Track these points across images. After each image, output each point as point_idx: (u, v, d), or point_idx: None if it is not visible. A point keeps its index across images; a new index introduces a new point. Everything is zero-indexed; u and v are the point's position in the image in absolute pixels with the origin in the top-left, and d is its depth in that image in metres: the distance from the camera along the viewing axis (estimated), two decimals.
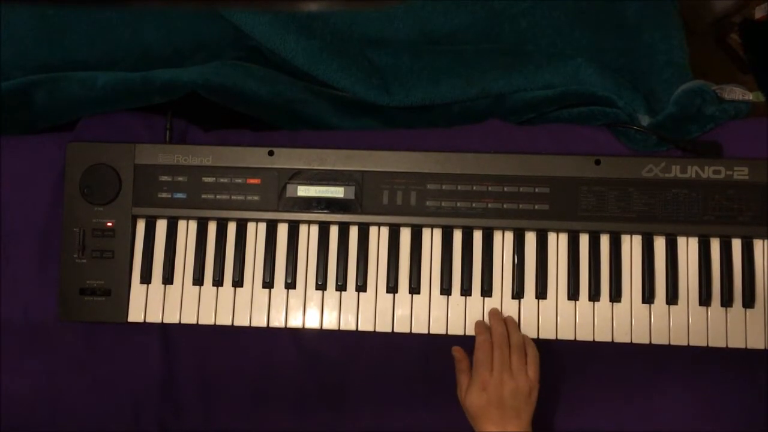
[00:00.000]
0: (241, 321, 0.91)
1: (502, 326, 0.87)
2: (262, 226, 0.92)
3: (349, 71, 0.96)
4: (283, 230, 0.92)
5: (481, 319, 0.90)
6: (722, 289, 0.89)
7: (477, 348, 0.86)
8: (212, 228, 0.92)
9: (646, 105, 0.97)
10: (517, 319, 0.90)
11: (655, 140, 0.93)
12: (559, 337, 0.89)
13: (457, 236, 0.91)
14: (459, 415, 0.93)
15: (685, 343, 0.88)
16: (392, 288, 0.91)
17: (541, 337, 0.89)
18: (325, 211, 0.91)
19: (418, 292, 0.90)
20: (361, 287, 0.91)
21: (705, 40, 1.35)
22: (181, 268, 0.92)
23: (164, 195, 0.92)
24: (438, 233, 0.91)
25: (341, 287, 0.91)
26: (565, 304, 0.90)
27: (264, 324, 0.90)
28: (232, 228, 0.92)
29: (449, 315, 0.90)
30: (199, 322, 0.91)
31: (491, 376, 0.84)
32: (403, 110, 0.99)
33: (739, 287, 0.89)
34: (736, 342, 0.88)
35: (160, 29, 1.00)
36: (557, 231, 0.91)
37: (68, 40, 1.00)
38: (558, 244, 0.91)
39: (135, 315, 0.91)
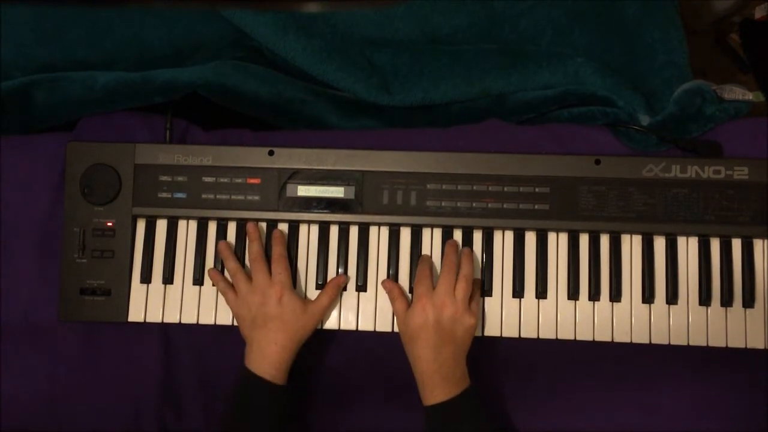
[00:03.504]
0: None
1: (454, 255, 0.88)
2: (263, 226, 0.92)
3: (349, 71, 0.96)
4: (283, 230, 0.92)
5: (481, 318, 0.90)
6: (722, 288, 0.89)
7: (419, 272, 0.88)
8: (212, 228, 0.92)
9: (646, 105, 0.97)
10: (517, 319, 0.90)
11: (655, 140, 0.93)
12: (559, 337, 0.89)
13: (457, 236, 0.91)
14: None
15: (685, 343, 0.89)
16: None
17: (541, 337, 0.89)
18: (325, 210, 0.91)
19: None
20: (362, 287, 0.91)
21: (705, 40, 1.35)
22: (181, 268, 0.92)
23: (164, 195, 0.92)
24: (438, 233, 0.91)
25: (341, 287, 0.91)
26: (565, 304, 0.90)
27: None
28: (232, 228, 0.92)
29: None
30: (199, 322, 0.91)
31: (431, 299, 0.84)
32: (403, 110, 0.99)
33: (739, 287, 0.89)
34: (736, 342, 0.88)
35: (160, 29, 1.00)
36: (557, 231, 0.91)
37: (68, 40, 1.00)
38: (558, 243, 0.91)
39: (135, 315, 0.91)
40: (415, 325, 0.84)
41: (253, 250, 0.89)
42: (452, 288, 0.85)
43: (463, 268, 0.87)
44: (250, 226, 0.91)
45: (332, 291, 0.89)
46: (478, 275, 0.91)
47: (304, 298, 0.89)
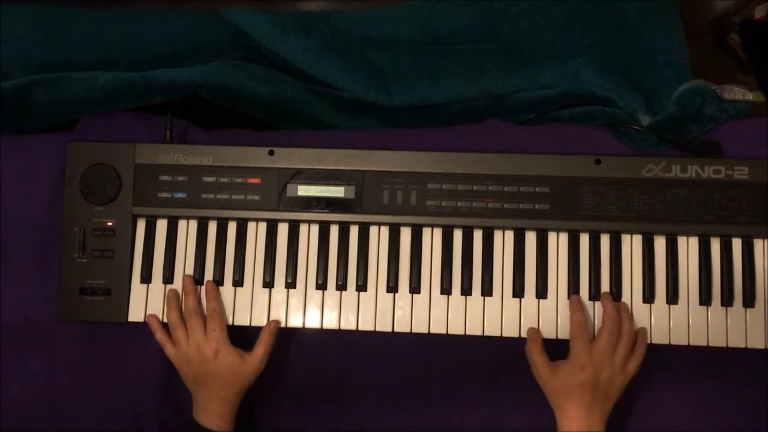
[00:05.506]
0: (241, 321, 0.91)
1: (618, 315, 0.86)
2: (263, 226, 0.92)
3: (349, 71, 0.96)
4: (283, 230, 0.92)
5: (482, 318, 0.90)
6: (722, 288, 0.89)
7: (575, 323, 0.86)
8: (212, 228, 0.92)
9: (646, 105, 0.97)
10: (517, 319, 0.89)
11: (655, 140, 0.93)
12: (560, 337, 0.89)
13: (458, 236, 0.91)
14: (458, 414, 0.93)
15: (686, 343, 0.88)
16: (392, 288, 0.91)
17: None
18: (326, 210, 0.91)
19: (419, 292, 0.90)
20: (362, 287, 0.91)
21: (705, 40, 1.35)
22: (181, 268, 0.92)
23: (164, 195, 0.92)
24: (438, 233, 0.91)
25: (341, 287, 0.91)
26: (565, 304, 0.90)
27: (264, 324, 0.90)
28: (232, 228, 0.92)
29: (449, 315, 0.90)
30: None
31: (591, 358, 0.83)
32: (403, 110, 0.99)
33: (740, 287, 0.89)
34: (736, 342, 0.88)
35: (160, 29, 1.00)
36: (557, 231, 0.91)
37: (68, 40, 1.00)
38: (558, 243, 0.91)
39: (135, 315, 0.91)
40: (572, 384, 0.83)
41: (188, 305, 0.89)
42: (613, 348, 0.84)
43: (624, 326, 0.86)
44: (185, 279, 0.91)
45: (267, 338, 0.88)
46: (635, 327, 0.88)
47: (241, 351, 0.87)
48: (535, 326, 0.89)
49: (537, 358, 0.86)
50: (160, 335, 0.89)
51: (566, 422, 0.83)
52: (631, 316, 0.88)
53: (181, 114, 0.97)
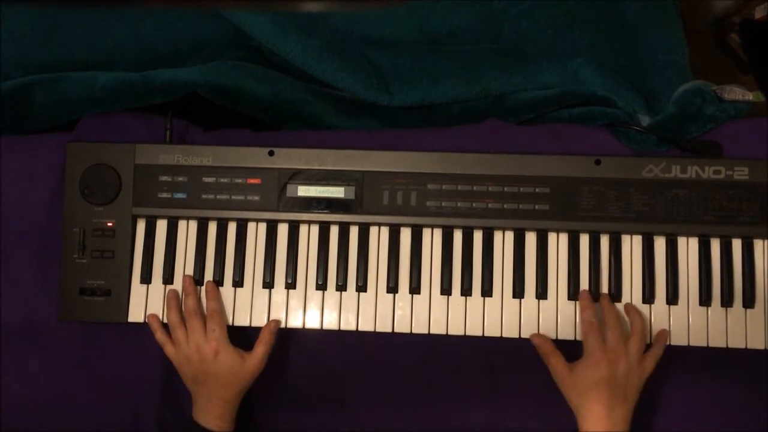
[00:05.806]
0: (241, 321, 0.91)
1: (615, 307, 0.87)
2: (263, 226, 0.92)
3: (349, 71, 0.96)
4: (283, 230, 0.92)
5: (482, 319, 0.90)
6: (722, 289, 0.89)
7: (585, 322, 0.86)
8: (212, 228, 0.92)
9: (646, 105, 0.97)
10: (517, 320, 0.89)
11: (655, 140, 0.93)
12: (560, 338, 0.89)
13: (458, 236, 0.91)
14: (458, 414, 0.93)
15: (685, 344, 0.88)
16: (392, 288, 0.91)
17: None
18: (326, 211, 0.91)
19: (419, 293, 0.90)
20: (362, 287, 0.91)
21: (705, 40, 1.35)
22: (181, 268, 0.92)
23: (164, 195, 0.92)
24: (438, 233, 0.91)
25: (341, 287, 0.91)
26: (566, 305, 0.90)
27: (264, 324, 0.90)
28: (232, 228, 0.92)
29: (449, 315, 0.90)
30: None
31: (606, 353, 0.83)
32: (403, 110, 0.99)
33: (739, 287, 0.89)
34: (736, 342, 0.88)
35: (160, 29, 1.00)
36: (557, 231, 0.91)
37: (68, 40, 1.00)
38: (558, 244, 0.91)
39: (135, 315, 0.91)
40: (589, 381, 0.82)
41: (188, 305, 0.89)
42: (624, 340, 0.84)
43: (635, 322, 0.86)
44: (185, 280, 0.91)
45: (267, 338, 0.88)
46: (646, 326, 0.88)
47: (241, 351, 0.88)
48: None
49: (553, 359, 0.86)
50: (160, 335, 0.89)
51: (588, 422, 0.83)
52: (641, 313, 0.88)
53: (181, 114, 0.97)
